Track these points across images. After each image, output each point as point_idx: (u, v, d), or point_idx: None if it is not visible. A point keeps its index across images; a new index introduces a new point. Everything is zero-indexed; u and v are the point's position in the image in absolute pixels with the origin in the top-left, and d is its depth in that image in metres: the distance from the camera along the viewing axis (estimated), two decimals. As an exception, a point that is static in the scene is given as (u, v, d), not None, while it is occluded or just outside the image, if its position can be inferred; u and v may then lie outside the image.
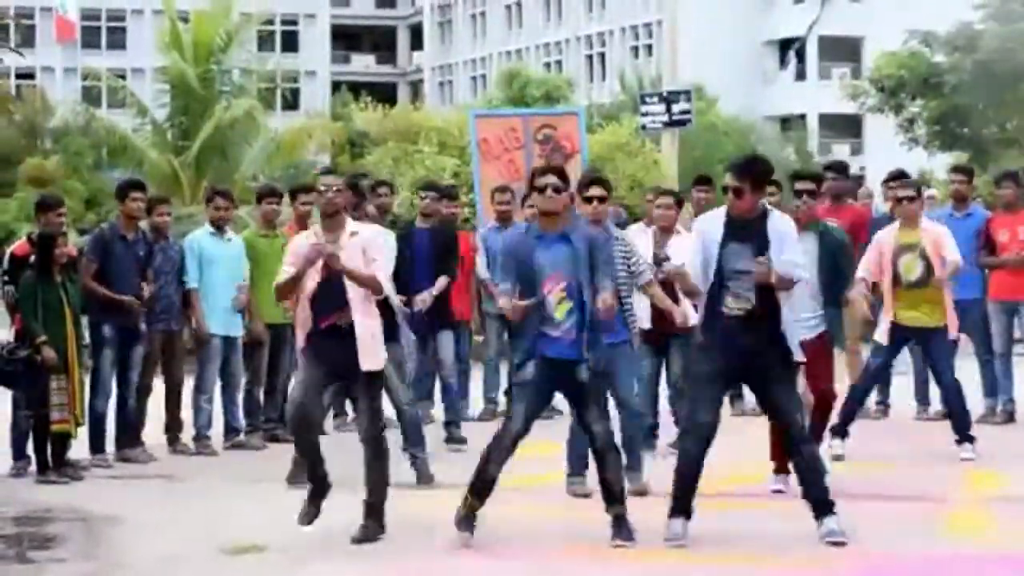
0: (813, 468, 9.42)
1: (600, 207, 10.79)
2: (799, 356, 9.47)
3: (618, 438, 9.90)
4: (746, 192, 9.28)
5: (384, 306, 11.06)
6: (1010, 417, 14.26)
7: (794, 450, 9.50)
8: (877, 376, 12.80)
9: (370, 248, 9.51)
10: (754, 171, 9.36)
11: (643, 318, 12.16)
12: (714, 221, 9.46)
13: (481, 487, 9.28)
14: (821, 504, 9.31)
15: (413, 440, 11.58)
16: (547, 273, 9.23)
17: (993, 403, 14.37)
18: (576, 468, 10.92)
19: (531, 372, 9.26)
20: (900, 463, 12.17)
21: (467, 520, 9.28)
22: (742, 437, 11.72)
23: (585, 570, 8.94)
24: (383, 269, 9.67)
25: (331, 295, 9.41)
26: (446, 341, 13.72)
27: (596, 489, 9.61)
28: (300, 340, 9.57)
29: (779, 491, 10.75)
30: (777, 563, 8.92)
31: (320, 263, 9.35)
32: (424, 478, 11.48)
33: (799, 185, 11.01)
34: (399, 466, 10.76)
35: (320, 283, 9.40)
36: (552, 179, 9.33)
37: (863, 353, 13.77)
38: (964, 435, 12.33)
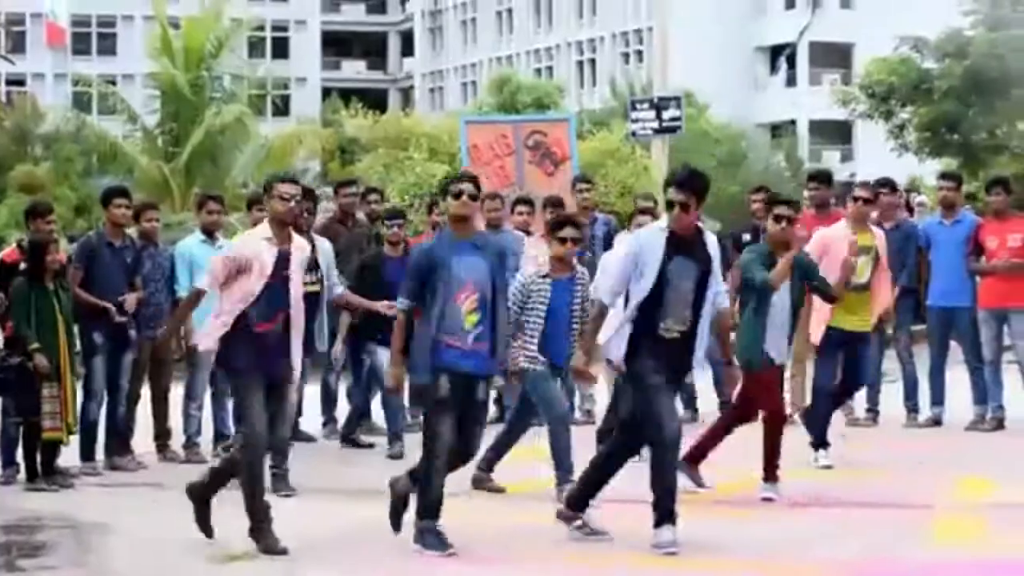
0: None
1: (573, 248, 10.91)
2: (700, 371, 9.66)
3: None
4: (691, 207, 9.18)
5: (312, 319, 11.28)
6: (999, 424, 14.27)
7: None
8: (829, 388, 12.66)
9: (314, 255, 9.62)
10: (698, 185, 9.23)
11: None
12: (653, 236, 9.29)
13: (432, 509, 9.16)
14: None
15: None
16: (463, 282, 9.16)
17: (983, 410, 14.38)
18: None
19: (446, 386, 9.14)
20: (889, 470, 12.17)
21: (440, 541, 9.14)
22: (732, 443, 11.72)
23: (583, 573, 8.94)
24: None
25: (273, 298, 9.37)
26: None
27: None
28: (224, 346, 9.43)
29: (769, 499, 10.75)
30: (765, 570, 8.91)
31: (270, 267, 9.31)
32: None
33: (778, 210, 10.92)
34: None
35: (267, 285, 9.34)
36: (469, 186, 9.28)
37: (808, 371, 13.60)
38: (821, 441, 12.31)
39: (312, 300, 11.46)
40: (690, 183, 9.19)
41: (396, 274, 13.17)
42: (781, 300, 10.85)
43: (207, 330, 9.57)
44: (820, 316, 12.50)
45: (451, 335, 9.12)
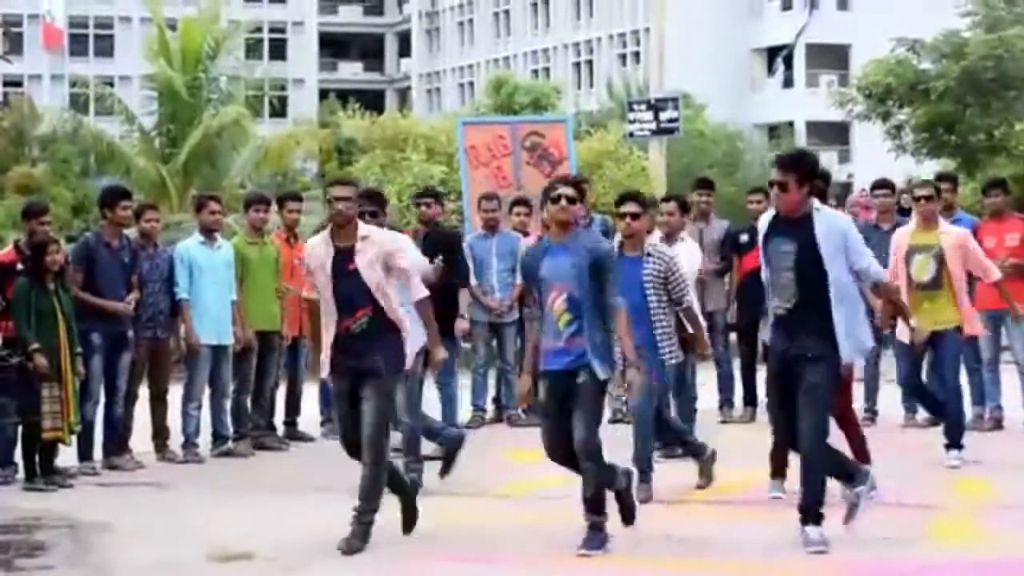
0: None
1: (635, 224, 10.81)
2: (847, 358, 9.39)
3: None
4: (791, 186, 9.24)
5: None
6: (998, 424, 14.29)
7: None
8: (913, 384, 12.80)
9: (390, 254, 9.51)
10: (801, 165, 9.31)
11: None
12: (764, 219, 9.53)
13: (599, 509, 9.25)
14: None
15: (411, 452, 11.46)
16: (551, 284, 9.23)
17: (981, 410, 14.40)
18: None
19: (542, 394, 9.28)
20: (888, 470, 12.16)
21: (600, 538, 9.20)
22: (733, 443, 11.74)
23: (582, 575, 8.97)
24: (412, 269, 9.72)
25: (350, 296, 9.41)
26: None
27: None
28: (326, 352, 9.49)
29: (777, 497, 10.71)
30: (765, 570, 8.92)
31: (330, 271, 9.37)
32: (416, 486, 11.38)
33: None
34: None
35: (336, 287, 9.40)
36: (568, 190, 9.33)
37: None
38: (955, 441, 12.35)
39: None
40: (792, 164, 9.30)
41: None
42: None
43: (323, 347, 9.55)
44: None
45: (548, 337, 9.26)
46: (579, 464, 9.23)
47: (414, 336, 9.83)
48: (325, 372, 9.58)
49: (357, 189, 9.81)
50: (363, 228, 9.57)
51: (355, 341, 9.42)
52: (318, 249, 9.55)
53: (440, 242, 13.35)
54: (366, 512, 9.32)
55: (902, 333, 12.40)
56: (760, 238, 9.47)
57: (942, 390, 12.73)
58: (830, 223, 9.29)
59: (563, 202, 9.27)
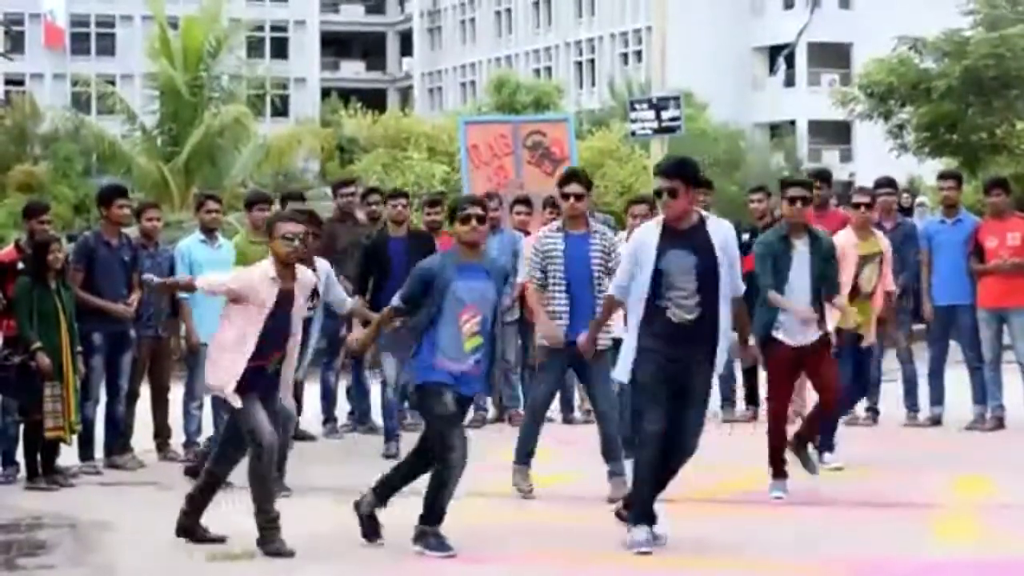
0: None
1: (578, 204, 10.87)
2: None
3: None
4: (680, 193, 9.13)
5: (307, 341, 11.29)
6: (999, 423, 14.28)
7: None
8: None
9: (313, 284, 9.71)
10: (685, 171, 9.20)
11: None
12: (648, 230, 9.30)
13: (442, 514, 9.24)
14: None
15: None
16: (466, 305, 9.21)
17: (982, 410, 14.38)
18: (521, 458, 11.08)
19: (452, 402, 9.23)
20: (889, 469, 12.17)
21: (438, 542, 9.19)
22: (734, 443, 11.74)
23: (583, 573, 8.94)
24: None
25: (273, 337, 9.35)
26: None
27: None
28: (230, 378, 9.33)
29: (779, 498, 10.70)
30: (765, 569, 8.91)
31: (270, 307, 9.28)
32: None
33: (792, 192, 10.97)
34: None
35: (265, 323, 9.31)
36: (478, 210, 9.32)
37: None
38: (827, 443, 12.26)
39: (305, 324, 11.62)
40: (675, 169, 9.19)
41: (398, 252, 13.27)
42: (800, 283, 10.82)
43: (223, 370, 9.43)
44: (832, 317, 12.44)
45: (451, 358, 9.20)
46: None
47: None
48: (231, 392, 9.41)
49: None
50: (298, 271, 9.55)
51: (269, 378, 9.44)
52: (261, 282, 9.38)
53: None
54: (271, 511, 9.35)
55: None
56: (644, 249, 9.21)
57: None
58: (725, 233, 9.28)
59: (474, 222, 9.28)
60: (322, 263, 12.17)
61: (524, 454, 11.08)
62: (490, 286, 9.27)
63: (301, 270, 9.64)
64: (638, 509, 9.21)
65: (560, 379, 11.51)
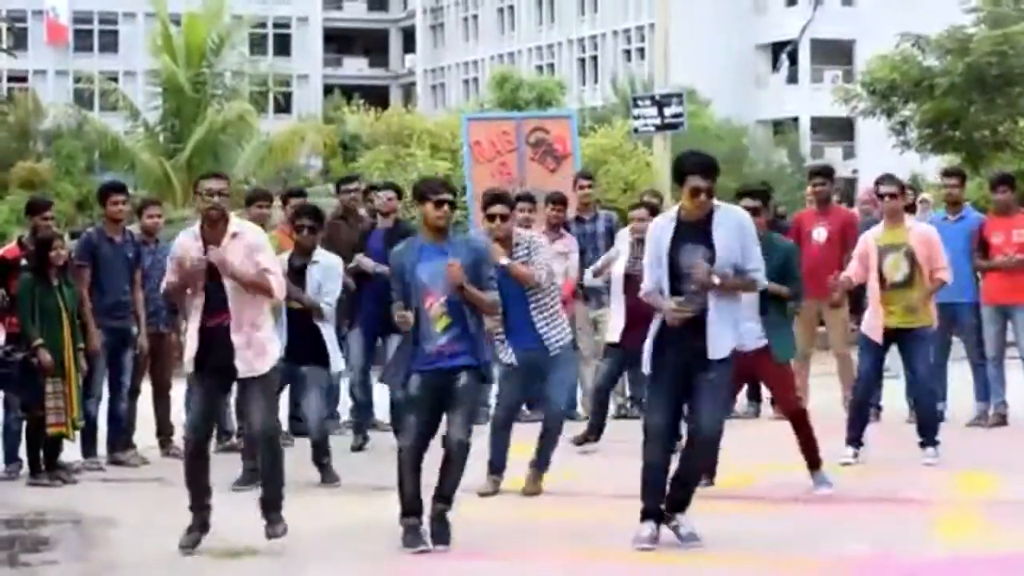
0: (691, 477, 9.34)
1: (503, 225, 10.78)
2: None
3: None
4: (713, 191, 9.12)
5: (312, 328, 11.49)
6: (1002, 420, 14.28)
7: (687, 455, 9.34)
8: (870, 377, 12.67)
9: (255, 250, 9.30)
10: (718, 171, 9.18)
11: (614, 329, 12.37)
12: (661, 225, 9.25)
13: (410, 506, 9.20)
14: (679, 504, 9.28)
15: (320, 453, 11.86)
16: (427, 289, 9.22)
17: (985, 407, 14.38)
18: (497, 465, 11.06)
19: (415, 387, 9.25)
20: (892, 466, 12.17)
21: (413, 538, 9.18)
22: (736, 440, 11.71)
23: (584, 571, 8.94)
24: (273, 270, 9.37)
25: (217, 296, 9.23)
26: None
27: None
28: (190, 347, 9.33)
29: (827, 489, 10.70)
30: (768, 566, 8.91)
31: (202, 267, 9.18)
32: (329, 478, 11.71)
33: (744, 203, 10.59)
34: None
35: (206, 283, 9.22)
36: (448, 196, 9.32)
37: (852, 355, 13.85)
38: (929, 438, 12.30)
39: (305, 317, 11.74)
40: (715, 171, 9.15)
41: (378, 242, 13.39)
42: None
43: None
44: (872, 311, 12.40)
45: (426, 341, 9.23)
46: (447, 460, 9.25)
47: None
48: (189, 368, 9.45)
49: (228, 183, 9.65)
50: (235, 224, 9.40)
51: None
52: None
53: None
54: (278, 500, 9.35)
55: (867, 328, 12.39)
56: (656, 244, 9.17)
57: (913, 388, 12.75)
58: (739, 220, 9.22)
59: (445, 207, 9.27)
60: (328, 258, 12.14)
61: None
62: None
63: (240, 225, 9.44)
64: (647, 504, 9.19)
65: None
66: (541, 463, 11.05)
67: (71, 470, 12.20)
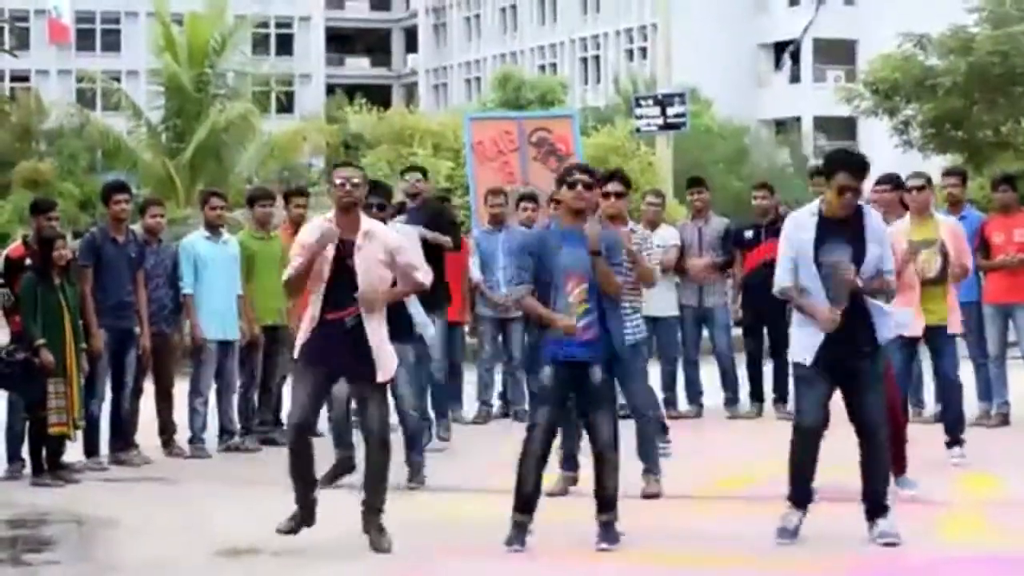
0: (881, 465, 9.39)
1: (619, 203, 10.76)
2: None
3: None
4: (860, 192, 9.13)
5: (398, 305, 10.78)
6: (1005, 420, 14.27)
7: (866, 450, 9.39)
8: (903, 375, 12.35)
9: (391, 247, 9.23)
10: (866, 171, 9.18)
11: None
12: (804, 220, 9.20)
13: (523, 502, 9.18)
14: (879, 506, 9.32)
15: (415, 446, 11.49)
16: (569, 272, 9.10)
17: (988, 406, 14.38)
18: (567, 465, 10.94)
19: (548, 376, 9.13)
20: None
21: (516, 535, 9.15)
22: (739, 440, 11.74)
23: (585, 571, 8.95)
24: (416, 264, 9.41)
25: (342, 290, 9.10)
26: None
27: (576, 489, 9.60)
28: (301, 336, 9.27)
29: (913, 494, 10.68)
30: (771, 566, 8.92)
31: (331, 257, 9.10)
32: (417, 478, 11.43)
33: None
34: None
35: (332, 276, 9.10)
36: (584, 176, 9.24)
37: None
38: (955, 437, 12.30)
39: None
40: (865, 169, 9.12)
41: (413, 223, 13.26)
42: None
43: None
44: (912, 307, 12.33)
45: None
46: (600, 459, 9.18)
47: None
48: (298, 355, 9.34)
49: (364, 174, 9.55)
50: (365, 222, 9.33)
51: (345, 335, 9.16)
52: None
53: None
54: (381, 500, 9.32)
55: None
56: (797, 242, 9.13)
57: (942, 387, 12.71)
58: (877, 221, 9.24)
59: (579, 188, 9.19)
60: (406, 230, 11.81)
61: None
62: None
63: (371, 224, 9.35)
64: (794, 494, 9.26)
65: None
66: (650, 466, 10.89)
67: (73, 470, 12.20)
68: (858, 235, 9.10)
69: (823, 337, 9.07)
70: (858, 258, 9.04)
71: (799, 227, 9.18)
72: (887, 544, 9.08)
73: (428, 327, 11.69)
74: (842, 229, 9.07)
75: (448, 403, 13.95)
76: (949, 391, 12.46)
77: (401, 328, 10.81)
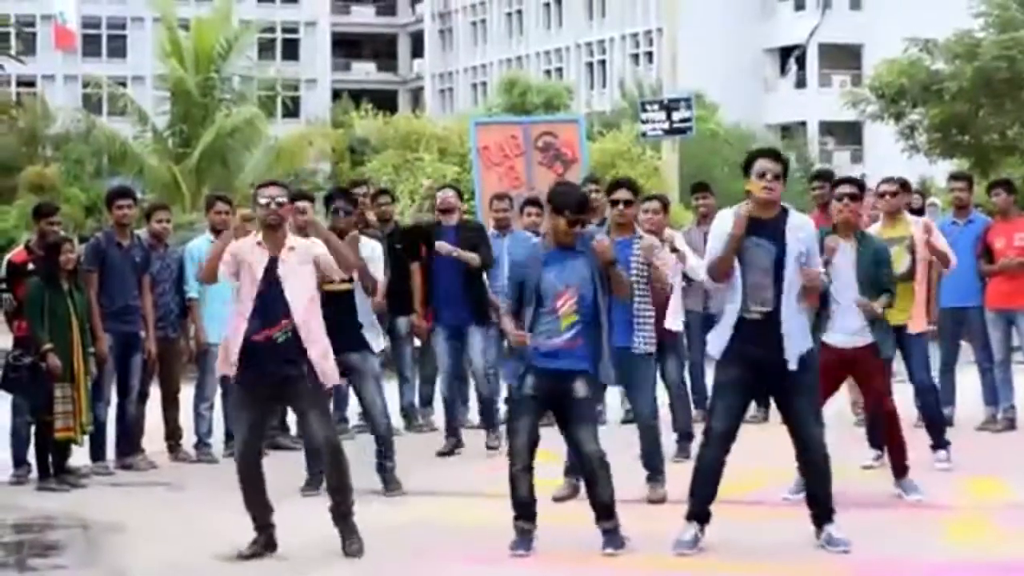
0: (823, 474, 9.32)
1: (629, 211, 10.78)
2: (792, 365, 9.14)
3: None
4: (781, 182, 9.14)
5: (352, 316, 11.11)
6: (1011, 424, 14.27)
7: (803, 459, 9.37)
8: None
9: (314, 253, 9.29)
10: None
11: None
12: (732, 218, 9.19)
13: (521, 509, 9.21)
14: (823, 510, 9.28)
15: (388, 454, 11.53)
16: (557, 287, 9.11)
17: (994, 411, 14.37)
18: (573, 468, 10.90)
19: (528, 386, 9.14)
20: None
21: (521, 541, 9.19)
22: (744, 444, 11.69)
23: (573, 573, 8.95)
24: (344, 264, 9.47)
25: (273, 305, 9.12)
26: (476, 339, 13.66)
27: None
28: (231, 358, 9.19)
29: (919, 501, 10.68)
30: (773, 571, 8.91)
31: (260, 275, 9.14)
32: (392, 486, 11.45)
33: (843, 189, 10.83)
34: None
35: (259, 295, 9.14)
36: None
37: None
38: (938, 441, 12.26)
39: (345, 298, 11.32)
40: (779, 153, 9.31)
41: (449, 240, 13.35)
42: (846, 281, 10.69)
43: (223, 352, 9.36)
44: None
45: (543, 336, 9.08)
46: (592, 476, 9.22)
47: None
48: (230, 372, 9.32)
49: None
50: (290, 239, 9.35)
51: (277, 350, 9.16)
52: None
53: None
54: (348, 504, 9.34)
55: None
56: (733, 235, 9.13)
57: (915, 390, 12.65)
58: (800, 221, 9.23)
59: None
60: (369, 243, 11.85)
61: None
62: (587, 264, 9.14)
63: (294, 239, 9.41)
64: (693, 507, 9.25)
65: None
66: (653, 472, 10.92)
67: (80, 474, 12.21)
68: (780, 234, 9.08)
69: (732, 332, 9.15)
70: (780, 257, 9.04)
71: (724, 223, 9.21)
72: (842, 552, 9.06)
73: (379, 339, 11.79)
74: (765, 227, 9.08)
75: (493, 414, 13.82)
76: (922, 394, 12.45)
77: (363, 339, 11.17)
